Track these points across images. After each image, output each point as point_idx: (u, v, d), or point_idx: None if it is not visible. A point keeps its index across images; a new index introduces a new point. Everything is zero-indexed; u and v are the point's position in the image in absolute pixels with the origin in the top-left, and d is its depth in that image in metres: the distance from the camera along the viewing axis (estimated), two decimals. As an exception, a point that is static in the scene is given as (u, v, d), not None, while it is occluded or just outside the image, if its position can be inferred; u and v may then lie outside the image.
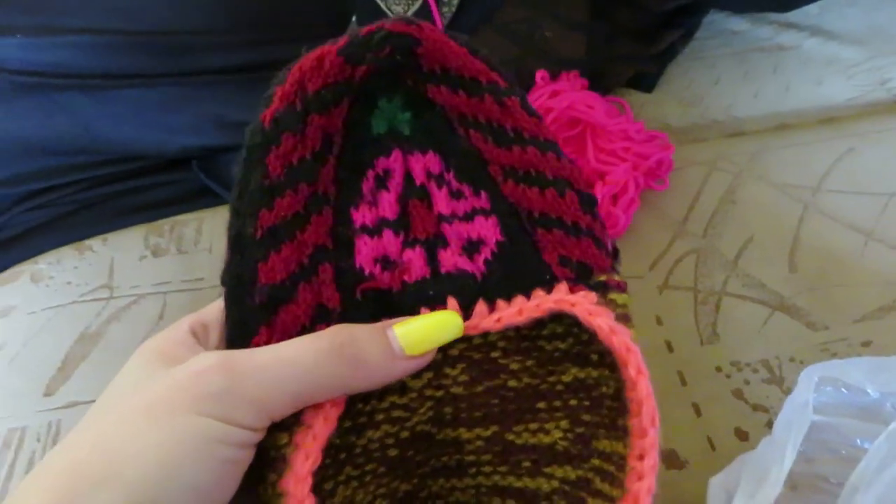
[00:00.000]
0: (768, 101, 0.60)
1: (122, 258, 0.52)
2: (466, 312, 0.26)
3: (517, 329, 0.27)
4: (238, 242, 0.25)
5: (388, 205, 0.28)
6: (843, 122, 0.58)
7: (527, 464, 0.28)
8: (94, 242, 0.53)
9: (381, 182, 0.28)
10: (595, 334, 0.25)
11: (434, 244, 0.28)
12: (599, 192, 0.49)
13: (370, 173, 0.28)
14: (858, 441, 0.38)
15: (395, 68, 0.27)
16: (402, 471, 0.28)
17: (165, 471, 0.20)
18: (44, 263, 0.53)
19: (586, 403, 0.27)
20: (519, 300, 0.26)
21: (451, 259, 0.28)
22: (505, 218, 0.28)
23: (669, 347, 0.46)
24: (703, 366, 0.45)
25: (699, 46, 0.64)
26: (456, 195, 0.28)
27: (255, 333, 0.24)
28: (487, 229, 0.28)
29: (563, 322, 0.27)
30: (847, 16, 0.66)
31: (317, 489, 0.23)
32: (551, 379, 0.27)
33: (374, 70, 0.26)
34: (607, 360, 0.26)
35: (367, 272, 0.27)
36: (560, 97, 0.50)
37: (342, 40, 0.25)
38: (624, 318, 0.25)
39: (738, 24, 0.66)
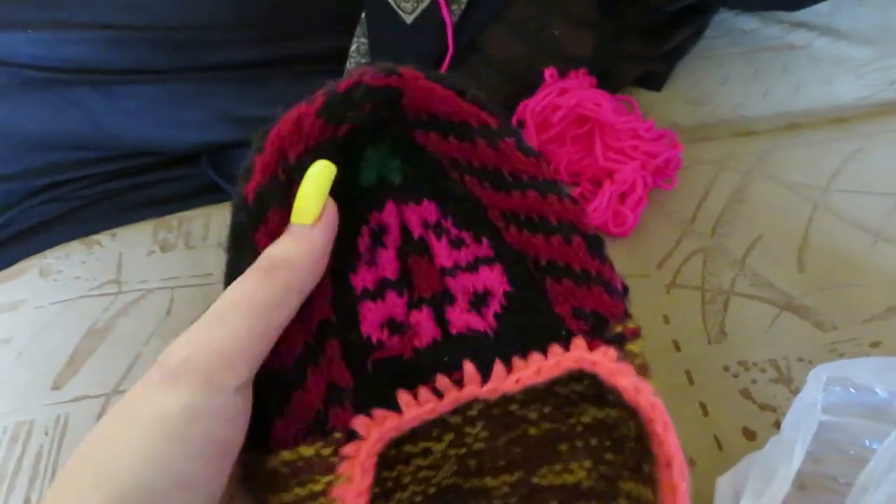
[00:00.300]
0: (778, 101, 0.60)
1: (131, 253, 0.52)
2: (485, 375, 0.25)
3: None
4: None
5: (387, 263, 0.27)
6: (853, 122, 0.58)
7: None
8: (103, 237, 0.53)
9: (377, 238, 0.27)
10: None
11: (441, 302, 0.26)
12: (608, 190, 0.49)
13: (364, 229, 0.27)
14: (867, 441, 0.38)
15: (379, 117, 0.25)
16: None
17: (144, 470, 0.20)
18: (52, 258, 0.53)
19: (608, 444, 0.26)
20: (536, 358, 0.24)
21: (460, 318, 0.26)
22: (510, 266, 0.26)
23: (677, 346, 0.46)
24: (711, 365, 0.45)
25: (708, 45, 0.64)
26: (456, 244, 0.27)
27: (270, 428, 0.23)
28: (493, 280, 0.26)
29: None
30: (857, 15, 0.65)
31: None
32: (571, 421, 0.27)
33: (357, 126, 0.25)
34: (623, 400, 0.25)
35: (374, 340, 0.26)
36: (568, 95, 0.50)
37: (319, 99, 0.24)
38: (643, 370, 0.25)
39: (748, 23, 0.66)
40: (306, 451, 0.23)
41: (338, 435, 0.23)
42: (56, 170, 0.53)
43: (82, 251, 0.53)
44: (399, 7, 0.50)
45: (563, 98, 0.50)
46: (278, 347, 0.23)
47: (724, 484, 0.36)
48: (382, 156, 0.27)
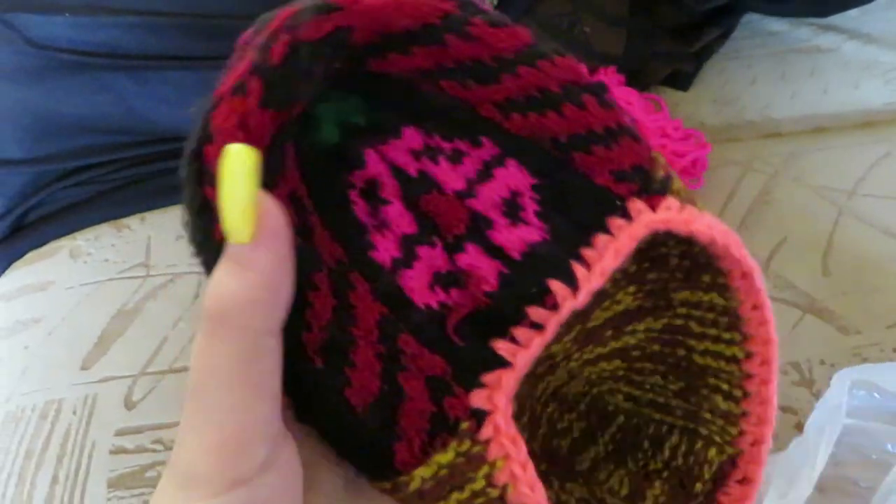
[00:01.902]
0: (805, 103, 0.60)
1: (160, 237, 0.53)
2: (571, 285, 0.21)
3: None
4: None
5: (399, 217, 0.23)
6: (881, 127, 0.58)
7: (608, 333, 0.26)
8: (132, 221, 0.54)
9: (373, 195, 0.23)
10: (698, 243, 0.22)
11: (479, 232, 0.23)
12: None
13: (354, 196, 0.23)
14: (889, 446, 0.38)
15: (339, 77, 0.21)
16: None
17: None
18: (82, 240, 0.54)
19: (646, 265, 0.24)
20: (603, 241, 0.21)
21: (511, 237, 0.23)
22: (524, 156, 0.23)
23: (699, 346, 0.46)
24: (733, 365, 0.45)
25: (736, 46, 0.64)
26: (455, 157, 0.23)
27: (392, 459, 0.21)
28: (513, 177, 0.23)
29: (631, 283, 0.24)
30: (887, 19, 0.65)
31: None
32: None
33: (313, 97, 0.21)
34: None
35: (437, 307, 0.23)
36: (598, 92, 0.50)
37: (254, 83, 0.18)
38: (691, 200, 0.22)
39: (777, 25, 0.66)
40: (444, 458, 0.20)
41: (464, 425, 0.20)
42: (88, 153, 0.54)
43: (112, 234, 0.54)
44: None
45: (593, 95, 0.50)
46: (354, 386, 0.20)
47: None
48: (335, 103, 0.22)
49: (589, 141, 0.22)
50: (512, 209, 0.23)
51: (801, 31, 0.65)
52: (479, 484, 0.20)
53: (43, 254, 0.53)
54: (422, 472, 0.20)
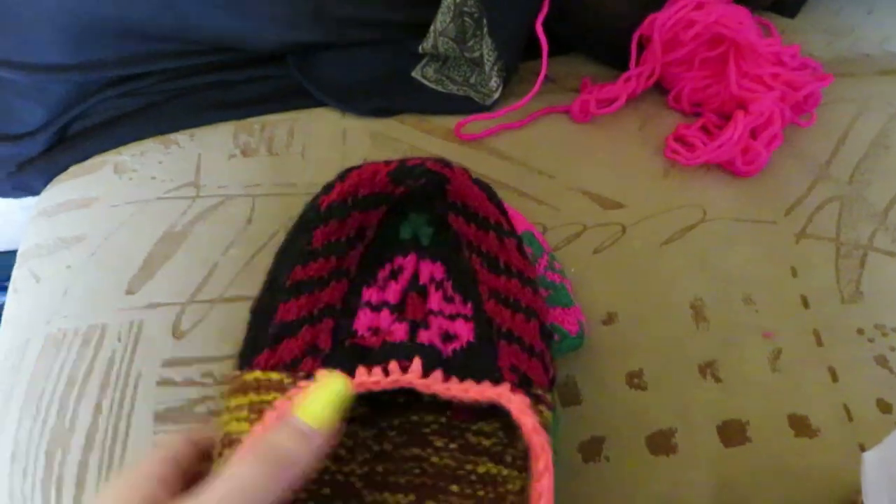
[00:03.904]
0: (931, 37, 0.53)
1: (210, 155, 0.49)
2: (426, 375, 0.30)
3: (450, 418, 0.33)
4: (272, 284, 0.32)
5: (392, 292, 0.33)
6: None
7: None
8: (181, 137, 0.50)
9: (394, 275, 0.34)
10: (519, 433, 0.29)
11: (418, 325, 0.33)
12: (741, 122, 0.43)
13: (388, 266, 0.34)
14: None
15: (427, 194, 0.33)
16: None
17: None
18: (127, 155, 0.50)
19: (492, 496, 0.31)
20: (469, 383, 0.30)
21: (428, 338, 0.32)
22: (480, 327, 0.33)
23: (805, 303, 0.41)
24: (843, 326, 0.41)
25: (852, -30, 0.57)
26: (448, 300, 0.34)
27: (260, 352, 0.30)
28: (464, 330, 0.33)
29: (493, 424, 0.33)
30: None
31: None
32: (468, 467, 0.32)
33: (411, 191, 0.33)
34: (518, 463, 0.31)
35: (359, 334, 0.32)
36: (706, 9, 0.44)
37: (394, 164, 0.32)
38: (544, 427, 0.29)
39: (899, -54, 0.58)
40: (274, 375, 0.30)
41: (302, 374, 0.30)
42: (135, 61, 0.50)
43: (159, 150, 0.49)
44: None
45: (701, 13, 0.44)
46: (290, 307, 0.31)
47: (873, 461, 0.32)
48: (422, 221, 0.35)
49: (515, 341, 0.32)
50: (446, 337, 0.33)
51: (927, -45, 0.57)
52: (268, 397, 0.29)
53: (86, 168, 0.50)
54: (258, 374, 0.30)
